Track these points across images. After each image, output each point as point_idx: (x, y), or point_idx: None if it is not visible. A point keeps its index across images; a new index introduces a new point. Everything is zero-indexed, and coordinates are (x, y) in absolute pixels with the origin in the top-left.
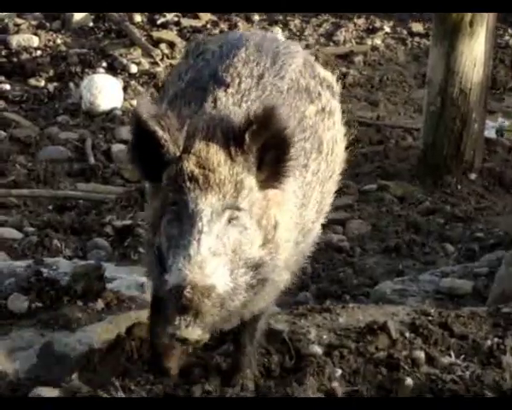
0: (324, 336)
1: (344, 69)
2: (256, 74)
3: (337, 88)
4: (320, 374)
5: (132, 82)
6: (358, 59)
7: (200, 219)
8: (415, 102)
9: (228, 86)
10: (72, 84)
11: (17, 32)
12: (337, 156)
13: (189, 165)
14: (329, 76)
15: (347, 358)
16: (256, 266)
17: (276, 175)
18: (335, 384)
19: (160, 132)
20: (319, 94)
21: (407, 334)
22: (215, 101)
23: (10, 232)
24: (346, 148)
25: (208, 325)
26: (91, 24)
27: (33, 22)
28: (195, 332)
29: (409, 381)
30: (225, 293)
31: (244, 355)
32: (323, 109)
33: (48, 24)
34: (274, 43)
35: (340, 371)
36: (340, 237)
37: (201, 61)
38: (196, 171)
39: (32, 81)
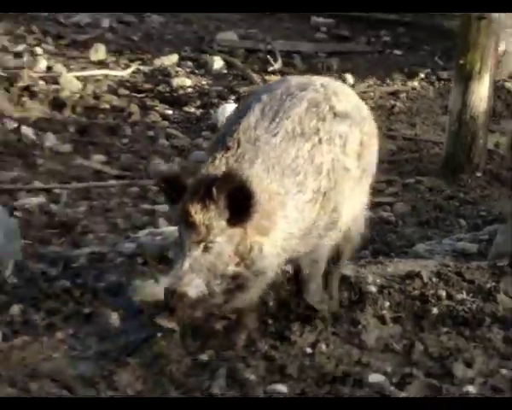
0: (377, 280)
1: (392, 102)
2: (253, 138)
3: (358, 114)
4: (374, 305)
5: None
6: (403, 95)
7: (184, 247)
8: (440, 124)
9: (228, 149)
10: (212, 111)
11: (176, 76)
12: (345, 165)
13: (179, 211)
14: (349, 106)
15: (393, 294)
16: (232, 277)
17: (241, 217)
18: (385, 312)
19: (165, 188)
20: (317, 129)
21: (434, 279)
22: (214, 160)
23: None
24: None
25: (181, 318)
26: (225, 71)
27: (187, 69)
28: (170, 324)
29: (434, 310)
30: (197, 297)
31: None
32: (320, 140)
33: (196, 71)
34: (289, 92)
35: (388, 303)
36: (389, 213)
37: (232, 116)
38: (183, 216)
39: (186, 108)
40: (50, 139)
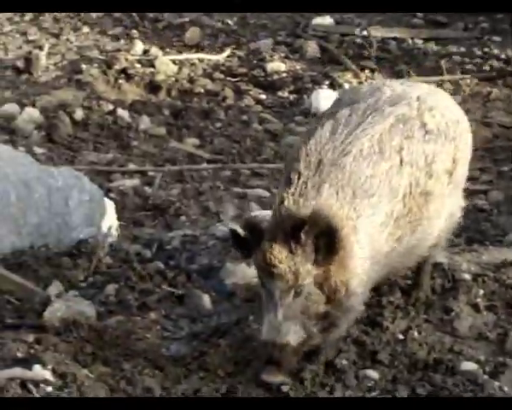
0: (472, 268)
1: (489, 89)
2: (315, 163)
3: (454, 129)
4: (468, 293)
5: None
6: (500, 81)
7: (274, 297)
8: None
9: (290, 184)
10: (305, 96)
11: (271, 61)
12: (426, 189)
13: (260, 261)
14: (444, 121)
15: (487, 283)
16: (324, 316)
17: (329, 256)
18: (478, 300)
19: (246, 235)
20: (400, 148)
21: None
22: (282, 199)
23: (262, 192)
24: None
25: (288, 369)
26: (319, 56)
27: (282, 54)
28: (278, 378)
29: None
30: (298, 344)
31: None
32: (401, 161)
33: (291, 55)
34: (377, 106)
35: (482, 291)
36: (483, 202)
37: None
38: (267, 266)
39: (279, 93)
40: (145, 122)
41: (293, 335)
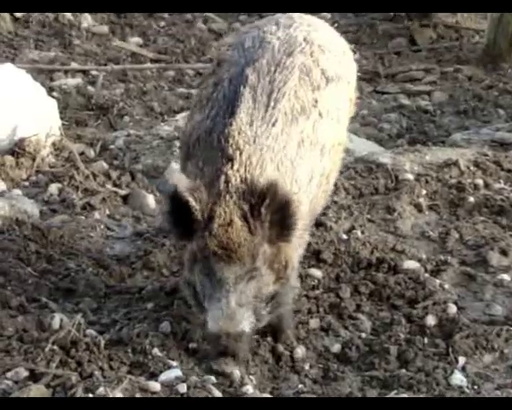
0: (415, 168)
1: None
2: (252, 137)
3: (345, 68)
4: (411, 193)
5: None
6: None
7: (227, 283)
8: (483, 14)
9: (230, 160)
10: None
11: None
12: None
13: (212, 245)
14: (337, 62)
15: (430, 183)
16: (272, 297)
17: (284, 233)
18: (421, 200)
19: (193, 204)
20: (316, 101)
21: (471, 167)
22: (220, 174)
23: None
24: None
25: (244, 357)
26: None
27: None
28: (232, 368)
29: (471, 199)
30: (252, 329)
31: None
32: (321, 113)
33: None
34: (276, 60)
35: (424, 191)
36: (427, 102)
37: (216, 92)
38: (220, 251)
39: None
40: (88, 20)
41: (247, 322)
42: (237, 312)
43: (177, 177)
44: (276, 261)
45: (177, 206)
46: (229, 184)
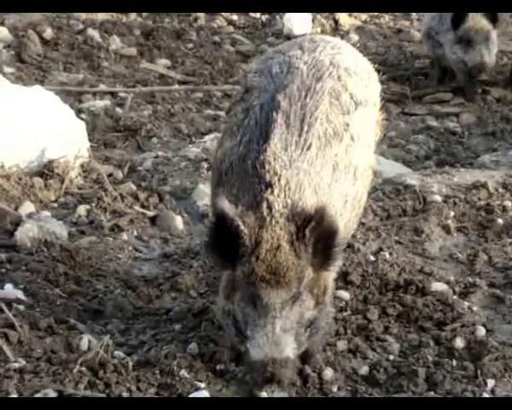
0: (443, 189)
1: None
2: (288, 162)
3: (371, 91)
4: (439, 214)
5: (318, 16)
6: None
7: (273, 309)
8: (509, 34)
9: (269, 187)
10: (277, 17)
11: None
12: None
13: (260, 270)
14: (363, 86)
15: (458, 204)
16: (310, 323)
17: (327, 262)
18: (449, 221)
19: (242, 228)
20: (347, 125)
21: (500, 189)
22: (260, 202)
23: None
24: None
25: (289, 382)
26: None
27: None
28: (280, 394)
29: (499, 221)
30: (295, 356)
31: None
32: (352, 137)
33: None
34: (306, 85)
35: (452, 213)
36: (455, 124)
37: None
38: (268, 276)
39: (251, 14)
40: (116, 42)
41: (290, 347)
42: (282, 337)
43: (222, 202)
44: (315, 286)
45: (224, 231)
46: (273, 210)
